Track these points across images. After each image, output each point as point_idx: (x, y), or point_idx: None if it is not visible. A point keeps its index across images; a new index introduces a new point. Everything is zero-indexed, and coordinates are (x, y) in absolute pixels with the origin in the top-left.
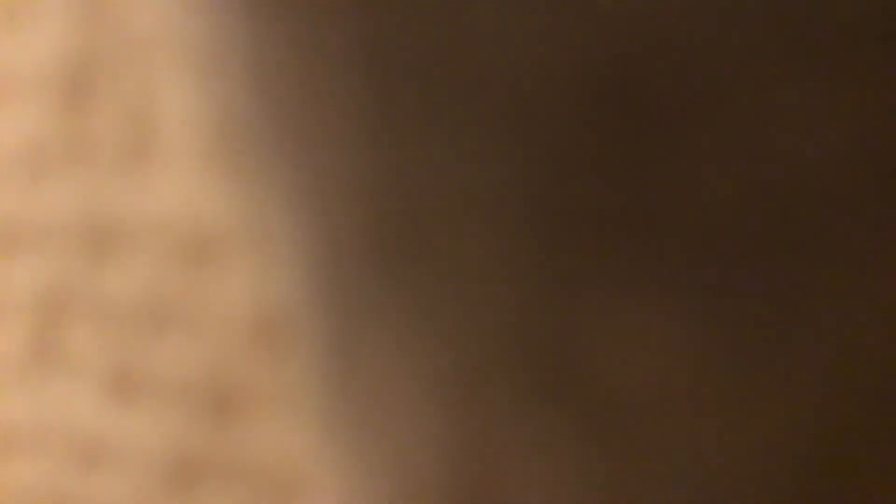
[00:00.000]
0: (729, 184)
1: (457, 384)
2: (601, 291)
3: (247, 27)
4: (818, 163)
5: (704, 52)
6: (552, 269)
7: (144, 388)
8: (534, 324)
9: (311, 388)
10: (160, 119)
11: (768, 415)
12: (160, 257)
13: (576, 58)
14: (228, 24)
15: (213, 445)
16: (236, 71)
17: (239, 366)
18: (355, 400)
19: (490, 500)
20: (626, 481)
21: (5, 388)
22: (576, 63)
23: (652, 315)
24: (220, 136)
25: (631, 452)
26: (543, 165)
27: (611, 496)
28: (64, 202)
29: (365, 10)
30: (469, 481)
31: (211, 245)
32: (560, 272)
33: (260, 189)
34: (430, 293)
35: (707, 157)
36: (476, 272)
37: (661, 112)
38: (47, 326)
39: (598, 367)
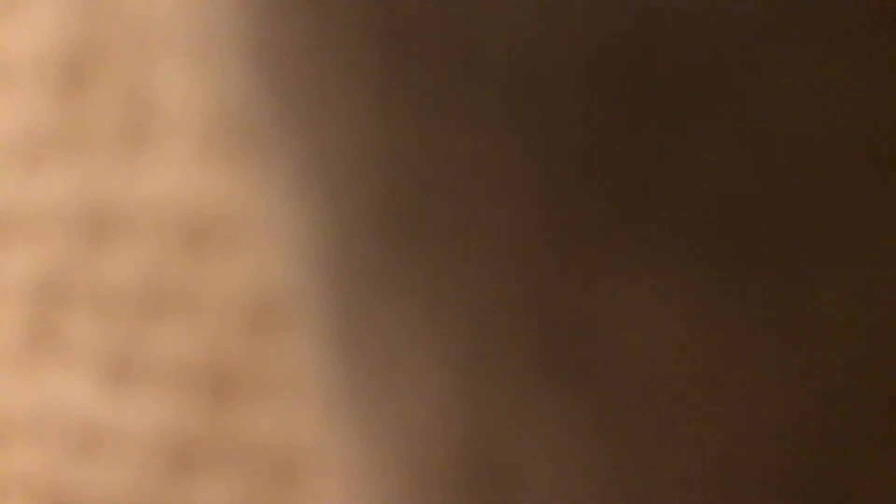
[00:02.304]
0: (735, 160)
1: (466, 361)
2: (611, 268)
3: (251, 7)
4: (822, 140)
5: (711, 32)
6: (562, 246)
7: (143, 374)
8: (543, 301)
9: (316, 369)
10: (158, 104)
11: (778, 391)
12: (158, 242)
13: (585, 35)
14: (231, 5)
15: (212, 431)
16: (240, 52)
17: (238, 350)
18: (363, 379)
19: (499, 477)
20: (635, 457)
21: (3, 376)
22: (585, 40)
23: (661, 291)
24: (221, 119)
25: (640, 429)
26: (553, 143)
27: (620, 472)
28: (61, 188)
29: None
30: (478, 458)
31: (210, 230)
32: (570, 249)
33: (265, 170)
34: (439, 272)
35: (714, 133)
36: (485, 250)
37: (669, 90)
38: (45, 313)
39: (608, 344)
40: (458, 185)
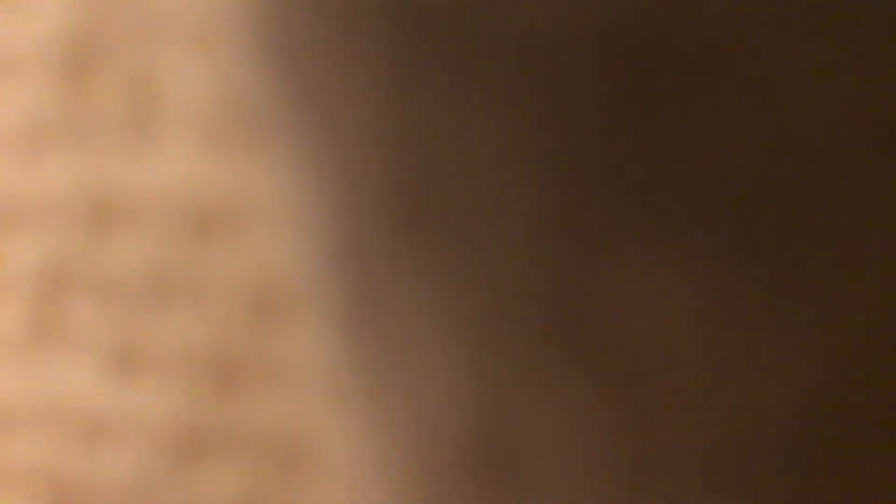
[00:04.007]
0: (747, 139)
1: (474, 338)
2: (616, 245)
3: None
4: (837, 119)
5: (726, 7)
6: (573, 226)
7: (148, 363)
8: (554, 281)
9: (325, 353)
10: (163, 92)
11: (779, 367)
12: (163, 231)
13: (598, 13)
14: None
15: (217, 420)
16: (247, 38)
17: (244, 339)
18: (372, 362)
19: (508, 458)
20: (643, 437)
21: (7, 365)
22: (598, 19)
23: (665, 268)
24: (226, 107)
25: (644, 403)
26: (563, 122)
27: (629, 452)
28: (66, 177)
29: None
30: (487, 439)
31: (215, 218)
32: (577, 226)
33: (274, 156)
34: (450, 253)
35: (726, 112)
36: (497, 231)
37: (682, 69)
38: (49, 302)
39: (613, 320)
40: (469, 165)
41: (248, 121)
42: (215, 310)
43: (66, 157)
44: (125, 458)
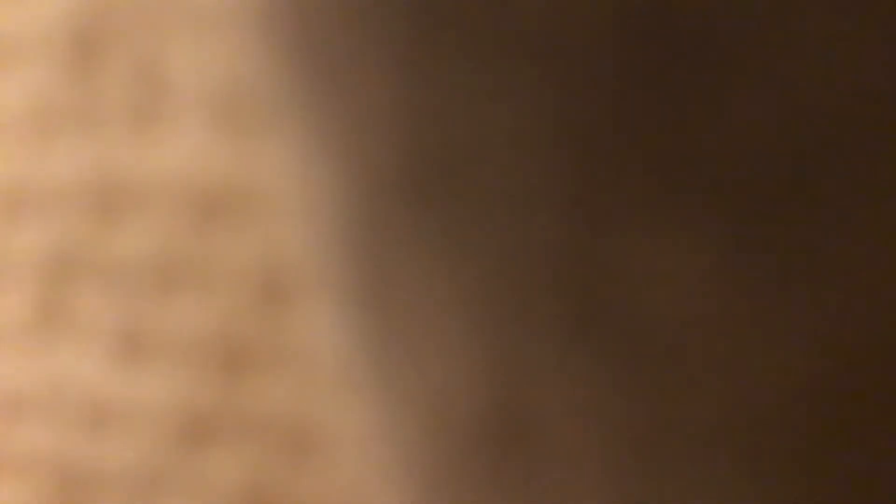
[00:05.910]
0: (760, 117)
1: (491, 322)
2: (631, 224)
3: None
4: (849, 93)
5: None
6: (585, 203)
7: (154, 348)
8: (566, 257)
9: (336, 335)
10: (170, 77)
11: (796, 343)
12: (170, 216)
13: None
14: None
15: (225, 405)
16: (255, 20)
17: (251, 323)
18: (385, 342)
19: (523, 438)
20: (658, 415)
21: (14, 352)
22: (613, 1)
23: (681, 247)
24: (233, 91)
25: (659, 382)
26: (578, 101)
27: (644, 430)
28: (73, 163)
29: None
30: (502, 420)
31: (221, 203)
32: (592, 206)
33: (284, 138)
34: (462, 231)
35: (739, 89)
36: (510, 207)
37: (695, 47)
38: (55, 288)
39: (628, 298)
40: (483, 146)
41: (257, 104)
42: (222, 295)
43: (72, 144)
44: (131, 445)
